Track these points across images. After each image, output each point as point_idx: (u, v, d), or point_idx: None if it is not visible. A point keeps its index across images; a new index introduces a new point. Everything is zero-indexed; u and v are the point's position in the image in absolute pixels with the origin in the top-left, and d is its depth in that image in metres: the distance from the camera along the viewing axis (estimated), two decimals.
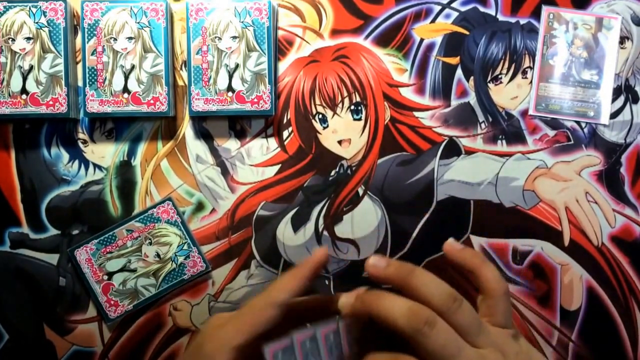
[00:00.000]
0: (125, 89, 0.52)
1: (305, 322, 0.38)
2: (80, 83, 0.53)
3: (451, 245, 0.41)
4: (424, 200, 0.55)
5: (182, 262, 0.52)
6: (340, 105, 0.55)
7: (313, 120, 0.55)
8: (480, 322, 0.38)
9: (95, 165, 0.55)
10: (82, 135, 0.55)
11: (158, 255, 0.50)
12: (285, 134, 0.55)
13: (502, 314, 0.40)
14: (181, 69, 0.55)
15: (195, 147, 0.55)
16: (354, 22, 0.55)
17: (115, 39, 0.52)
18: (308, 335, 0.37)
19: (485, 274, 0.40)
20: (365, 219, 0.55)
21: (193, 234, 0.53)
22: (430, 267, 0.55)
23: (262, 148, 0.55)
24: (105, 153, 0.55)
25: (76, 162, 0.55)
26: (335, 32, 0.55)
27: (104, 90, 0.52)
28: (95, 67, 0.52)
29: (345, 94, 0.55)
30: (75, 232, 0.54)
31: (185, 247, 0.52)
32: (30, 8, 0.52)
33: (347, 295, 0.39)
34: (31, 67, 0.52)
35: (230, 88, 0.52)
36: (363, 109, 0.55)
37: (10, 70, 0.52)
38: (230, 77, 0.52)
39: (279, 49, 0.55)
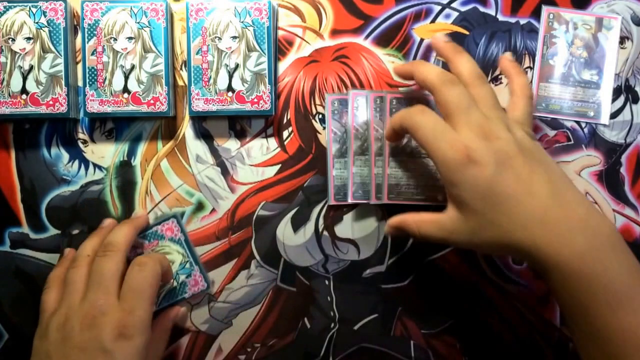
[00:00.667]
0: (125, 89, 0.52)
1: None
2: (80, 83, 0.53)
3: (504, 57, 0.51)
4: None
5: (184, 281, 0.52)
6: None
7: (313, 120, 0.55)
8: (497, 103, 0.46)
9: (95, 165, 0.55)
10: (82, 135, 0.55)
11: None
12: (285, 134, 0.55)
13: (521, 112, 0.47)
14: (181, 69, 0.55)
15: (195, 147, 0.55)
16: (354, 22, 0.55)
17: (115, 39, 0.52)
18: (362, 94, 0.52)
19: (518, 80, 0.49)
20: (365, 219, 0.55)
21: (196, 252, 0.53)
22: (430, 267, 0.55)
23: (262, 148, 0.55)
24: (105, 153, 0.55)
25: (76, 162, 0.55)
26: (335, 32, 0.55)
27: (104, 90, 0.52)
28: (95, 67, 0.52)
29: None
30: (75, 232, 0.54)
31: (188, 265, 0.52)
32: (30, 8, 0.52)
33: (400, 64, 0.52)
34: (31, 67, 0.52)
35: (230, 88, 0.52)
36: None
37: (10, 70, 0.52)
38: (230, 77, 0.52)
39: (279, 49, 0.55)
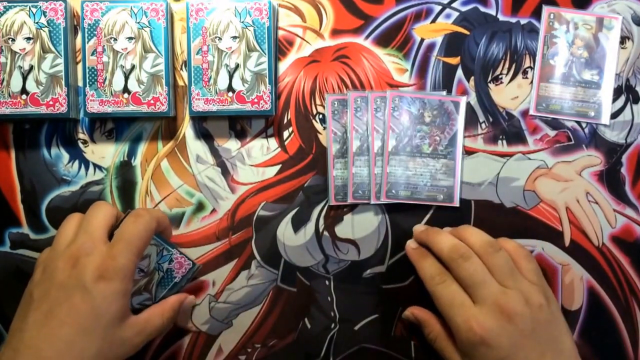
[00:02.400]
0: (126, 89, 0.52)
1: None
2: (80, 83, 0.53)
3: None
4: None
5: (168, 268, 0.51)
6: None
7: (313, 121, 0.55)
8: (514, 269, 0.48)
9: (96, 166, 0.55)
10: (82, 135, 0.55)
11: (142, 270, 0.49)
12: (286, 134, 0.55)
13: (530, 272, 0.48)
14: (181, 69, 0.55)
15: (196, 147, 0.55)
16: (354, 22, 0.55)
17: (115, 39, 0.52)
18: (362, 95, 0.52)
19: (506, 245, 0.50)
20: (365, 219, 0.55)
21: (165, 238, 0.52)
22: None
23: (263, 148, 0.55)
24: (106, 153, 0.55)
25: (76, 163, 0.55)
26: (335, 32, 0.55)
27: (104, 91, 0.52)
28: (95, 67, 0.52)
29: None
30: None
31: (165, 252, 0.51)
32: (30, 8, 0.52)
33: (410, 241, 0.53)
34: (31, 67, 0.52)
35: (230, 88, 0.52)
36: None
37: (10, 70, 0.51)
38: (231, 77, 0.52)
39: (279, 49, 0.55)
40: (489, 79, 0.56)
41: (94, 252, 0.46)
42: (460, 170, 0.54)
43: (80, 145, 0.55)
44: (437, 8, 0.56)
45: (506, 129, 0.55)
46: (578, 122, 0.56)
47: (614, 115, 0.56)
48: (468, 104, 0.55)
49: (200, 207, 0.55)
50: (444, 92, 0.55)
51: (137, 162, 0.55)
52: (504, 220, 0.55)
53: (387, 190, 0.53)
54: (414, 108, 0.53)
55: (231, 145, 0.55)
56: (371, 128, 0.54)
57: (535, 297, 0.47)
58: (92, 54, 0.52)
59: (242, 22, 0.52)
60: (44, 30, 0.52)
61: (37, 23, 0.52)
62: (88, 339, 0.44)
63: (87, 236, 0.47)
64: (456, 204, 0.54)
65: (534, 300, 0.46)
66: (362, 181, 0.54)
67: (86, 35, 0.52)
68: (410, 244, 0.53)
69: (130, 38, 0.52)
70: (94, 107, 0.52)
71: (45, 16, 0.52)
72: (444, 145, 0.54)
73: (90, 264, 0.45)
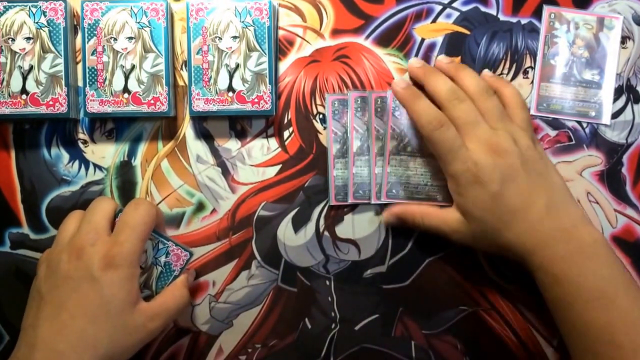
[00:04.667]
0: (126, 89, 0.52)
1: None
2: (80, 83, 0.53)
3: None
4: None
5: (166, 261, 0.51)
6: None
7: (314, 120, 0.55)
8: (504, 114, 0.50)
9: (96, 166, 0.55)
10: (82, 135, 0.55)
11: (140, 266, 0.49)
12: (286, 134, 0.55)
13: (520, 119, 0.50)
14: (181, 69, 0.54)
15: (196, 147, 0.55)
16: (354, 22, 0.55)
17: (115, 39, 0.52)
18: (362, 94, 0.53)
19: (506, 92, 0.52)
20: (366, 219, 0.55)
21: (159, 231, 0.52)
22: (431, 268, 0.55)
23: (263, 148, 0.55)
24: (106, 153, 0.55)
25: (76, 163, 0.55)
26: (336, 32, 0.55)
27: (104, 91, 0.52)
28: (96, 67, 0.52)
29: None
30: None
31: (160, 245, 0.51)
32: (30, 8, 0.52)
33: (398, 80, 0.53)
34: (31, 67, 0.51)
35: (230, 88, 0.52)
36: None
37: (10, 70, 0.51)
38: (231, 77, 0.52)
39: (279, 49, 0.55)
40: None
41: (97, 242, 0.46)
42: None
43: (80, 145, 0.55)
44: (438, 8, 0.56)
45: None
46: (579, 122, 0.56)
47: (615, 115, 0.56)
48: None
49: (200, 207, 0.55)
50: None
51: (137, 162, 0.55)
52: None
53: (388, 190, 0.53)
54: None
55: (231, 145, 0.55)
56: (372, 128, 0.53)
57: (523, 139, 0.49)
58: (92, 54, 0.52)
59: (243, 21, 0.52)
60: (44, 30, 0.52)
61: (37, 23, 0.52)
62: (100, 328, 0.44)
63: (90, 227, 0.47)
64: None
65: (522, 141, 0.49)
66: (362, 181, 0.54)
67: (86, 35, 0.52)
68: (399, 83, 0.52)
69: (130, 38, 0.52)
70: (94, 107, 0.52)
71: (45, 16, 0.52)
72: None
73: (96, 254, 0.45)
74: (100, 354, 0.43)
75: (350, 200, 0.54)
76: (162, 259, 0.51)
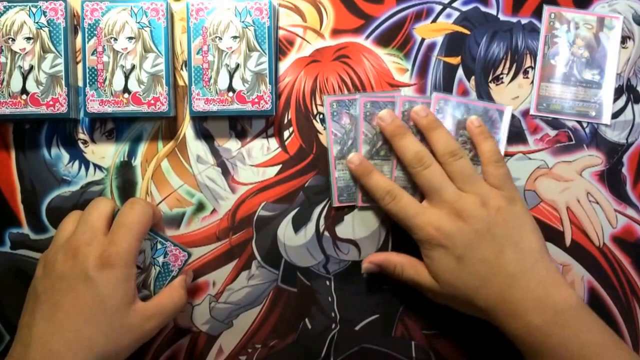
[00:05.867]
0: (126, 89, 0.52)
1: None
2: (80, 83, 0.53)
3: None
4: None
5: (164, 262, 0.51)
6: None
7: (314, 120, 0.55)
8: (473, 175, 0.49)
9: (96, 166, 0.55)
10: (82, 135, 0.55)
11: (138, 267, 0.49)
12: (286, 134, 0.55)
13: (495, 177, 0.50)
14: (182, 69, 0.54)
15: (196, 147, 0.55)
16: (354, 22, 0.55)
17: (115, 39, 0.52)
18: (353, 98, 0.54)
19: (484, 147, 0.51)
20: (366, 220, 0.55)
21: (156, 230, 0.52)
22: None
23: (263, 148, 0.55)
24: (106, 153, 0.55)
25: (76, 163, 0.55)
26: (336, 32, 0.55)
27: (104, 91, 0.52)
28: (96, 67, 0.52)
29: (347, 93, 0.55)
30: None
31: (159, 245, 0.51)
32: (30, 8, 0.52)
33: (352, 157, 0.53)
34: (31, 67, 0.51)
35: (230, 88, 0.52)
36: None
37: (10, 70, 0.51)
38: (231, 77, 0.52)
39: (279, 48, 0.55)
40: (490, 78, 0.55)
41: (94, 241, 0.46)
42: None
43: (81, 145, 0.55)
44: (438, 8, 0.56)
45: None
46: (579, 122, 0.56)
47: (615, 115, 0.56)
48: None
49: (200, 207, 0.55)
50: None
51: (137, 162, 0.55)
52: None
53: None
54: (459, 112, 0.53)
55: (231, 145, 0.55)
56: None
57: (494, 200, 0.48)
58: (92, 54, 0.52)
59: (243, 21, 0.52)
60: (44, 30, 0.52)
61: (37, 23, 0.52)
62: (95, 327, 0.44)
63: (86, 227, 0.47)
64: None
65: (492, 203, 0.48)
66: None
67: (86, 35, 0.52)
68: (353, 160, 0.52)
69: (130, 38, 0.52)
70: (94, 107, 0.52)
71: (45, 16, 0.52)
72: None
73: (92, 253, 0.45)
74: (96, 353, 0.43)
75: (360, 204, 0.54)
76: (160, 259, 0.51)
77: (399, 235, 0.55)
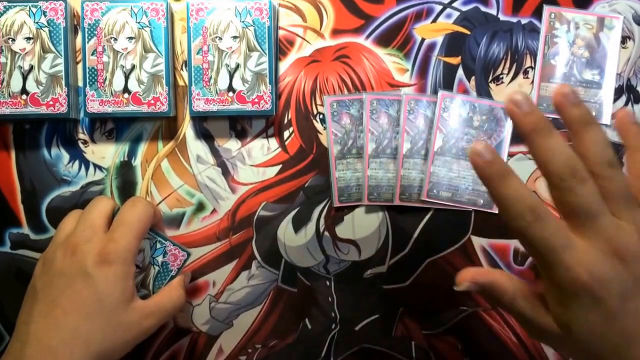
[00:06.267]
0: (126, 89, 0.52)
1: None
2: (80, 83, 0.53)
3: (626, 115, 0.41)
4: None
5: (163, 261, 0.51)
6: None
7: (314, 120, 0.55)
8: (631, 196, 0.37)
9: (96, 166, 0.55)
10: (82, 135, 0.55)
11: (137, 266, 0.49)
12: (286, 134, 0.55)
13: None
14: (182, 69, 0.54)
15: (196, 147, 0.55)
16: (354, 22, 0.55)
17: (115, 39, 0.52)
18: (358, 97, 0.52)
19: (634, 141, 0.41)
20: (366, 220, 0.55)
21: (156, 229, 0.52)
22: (431, 268, 0.55)
23: (263, 148, 0.55)
24: (106, 153, 0.55)
25: (76, 163, 0.55)
26: (336, 32, 0.55)
27: (104, 91, 0.52)
28: (96, 67, 0.52)
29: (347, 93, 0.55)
30: None
31: (158, 245, 0.51)
32: (30, 8, 0.52)
33: (481, 149, 0.36)
34: (31, 67, 0.51)
35: (230, 88, 0.52)
36: None
37: (10, 70, 0.51)
38: (231, 77, 0.52)
39: (279, 48, 0.55)
40: (490, 78, 0.55)
41: (93, 238, 0.46)
42: None
43: (81, 145, 0.55)
44: (438, 8, 0.56)
45: None
46: None
47: (615, 115, 0.55)
48: None
49: (200, 207, 0.55)
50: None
51: (137, 162, 0.55)
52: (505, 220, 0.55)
53: (429, 190, 0.53)
54: (464, 111, 0.53)
55: (231, 145, 0.55)
56: (402, 129, 0.53)
57: None
58: (92, 54, 0.52)
59: (243, 21, 0.52)
60: (44, 30, 0.52)
61: (37, 23, 0.52)
62: (93, 324, 0.44)
63: (86, 225, 0.47)
64: (496, 210, 0.54)
65: None
66: (377, 183, 0.54)
67: (86, 35, 0.52)
68: (484, 154, 0.35)
69: (130, 38, 0.52)
70: (94, 107, 0.52)
71: (45, 16, 0.52)
72: None
73: (91, 250, 0.45)
74: (93, 350, 0.43)
75: (365, 202, 0.54)
76: (160, 258, 0.51)
77: (399, 235, 0.55)
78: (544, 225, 0.35)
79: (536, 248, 0.35)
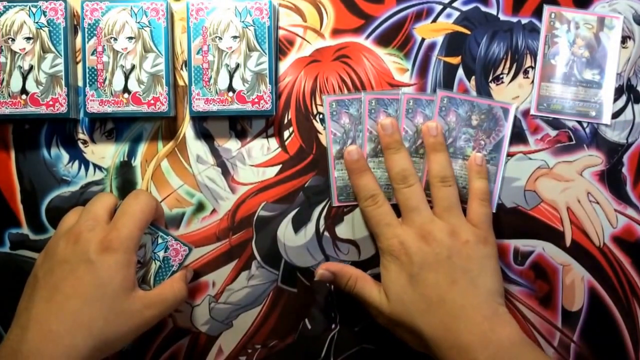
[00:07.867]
0: (126, 89, 0.52)
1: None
2: (80, 83, 0.53)
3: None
4: None
5: (164, 256, 0.51)
6: None
7: (314, 120, 0.55)
8: (455, 207, 0.50)
9: (96, 166, 0.55)
10: (82, 135, 0.55)
11: (138, 261, 0.49)
12: (286, 134, 0.55)
13: (476, 214, 0.51)
14: (181, 68, 0.54)
15: (196, 147, 0.55)
16: (355, 22, 0.55)
17: (115, 39, 0.52)
18: (357, 97, 0.54)
19: (474, 184, 0.52)
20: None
21: (158, 224, 0.52)
22: None
23: (263, 148, 0.55)
24: (106, 153, 0.55)
25: (76, 163, 0.55)
26: (336, 32, 0.55)
27: (104, 91, 0.52)
28: (96, 67, 0.52)
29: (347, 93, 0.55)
30: None
31: (160, 240, 0.51)
32: (30, 8, 0.52)
33: (352, 150, 0.52)
34: (31, 67, 0.51)
35: (230, 88, 0.52)
36: None
37: (10, 70, 0.51)
38: (231, 77, 0.52)
39: (279, 48, 0.55)
40: (490, 78, 0.55)
41: (96, 228, 0.46)
42: (501, 177, 0.54)
43: (80, 145, 0.55)
44: (438, 8, 0.56)
45: None
46: (579, 122, 0.55)
47: (615, 115, 0.55)
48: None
49: (200, 207, 0.55)
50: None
51: (137, 162, 0.55)
52: (505, 220, 0.55)
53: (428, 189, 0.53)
54: (462, 110, 0.53)
55: (231, 145, 0.55)
56: (400, 128, 0.53)
57: (464, 233, 0.49)
58: (92, 54, 0.52)
59: (243, 21, 0.52)
60: (44, 30, 0.52)
61: (37, 23, 0.52)
62: (94, 310, 0.44)
63: (89, 216, 0.47)
64: (492, 209, 0.54)
65: (462, 235, 0.48)
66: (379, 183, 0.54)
67: (86, 35, 0.52)
68: (352, 154, 0.51)
69: (130, 38, 0.52)
70: (94, 107, 0.52)
71: (45, 16, 0.52)
72: (488, 150, 0.54)
73: (94, 238, 0.45)
74: (95, 335, 0.43)
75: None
76: (161, 253, 0.51)
77: None
78: (378, 208, 0.50)
79: (371, 222, 0.51)
